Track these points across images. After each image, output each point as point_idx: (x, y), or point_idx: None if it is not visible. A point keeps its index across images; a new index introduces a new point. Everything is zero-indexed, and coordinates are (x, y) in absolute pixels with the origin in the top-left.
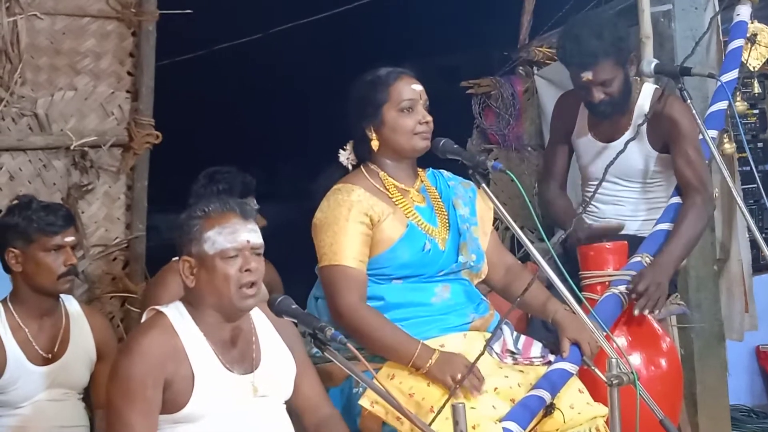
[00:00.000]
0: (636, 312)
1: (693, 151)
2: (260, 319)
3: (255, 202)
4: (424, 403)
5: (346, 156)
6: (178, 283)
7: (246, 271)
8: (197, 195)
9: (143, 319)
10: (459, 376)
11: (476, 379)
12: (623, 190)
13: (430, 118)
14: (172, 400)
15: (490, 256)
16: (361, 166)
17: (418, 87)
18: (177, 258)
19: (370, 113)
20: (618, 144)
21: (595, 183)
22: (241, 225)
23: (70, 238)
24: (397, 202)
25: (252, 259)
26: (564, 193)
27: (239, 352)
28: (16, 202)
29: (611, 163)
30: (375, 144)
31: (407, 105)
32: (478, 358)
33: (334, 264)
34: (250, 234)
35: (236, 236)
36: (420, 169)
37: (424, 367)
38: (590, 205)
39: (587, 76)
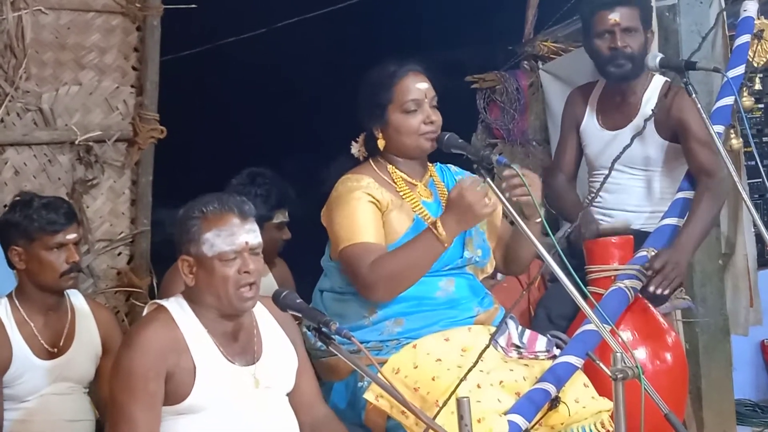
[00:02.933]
0: (651, 289)
1: (702, 137)
2: (262, 313)
3: (287, 214)
4: (429, 397)
5: (357, 148)
6: None
7: (245, 272)
8: (234, 190)
9: (144, 313)
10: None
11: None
12: (629, 178)
13: (435, 118)
14: (174, 392)
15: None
16: (370, 160)
17: (424, 85)
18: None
19: (376, 114)
20: (625, 132)
21: (601, 172)
22: (239, 226)
23: (72, 236)
24: (404, 196)
25: (251, 261)
26: (572, 186)
27: (240, 345)
28: (17, 199)
29: (618, 156)
30: (381, 143)
31: (412, 106)
32: (483, 352)
33: (353, 243)
34: (249, 235)
35: (234, 238)
36: (429, 164)
37: (447, 234)
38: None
39: (614, 17)
